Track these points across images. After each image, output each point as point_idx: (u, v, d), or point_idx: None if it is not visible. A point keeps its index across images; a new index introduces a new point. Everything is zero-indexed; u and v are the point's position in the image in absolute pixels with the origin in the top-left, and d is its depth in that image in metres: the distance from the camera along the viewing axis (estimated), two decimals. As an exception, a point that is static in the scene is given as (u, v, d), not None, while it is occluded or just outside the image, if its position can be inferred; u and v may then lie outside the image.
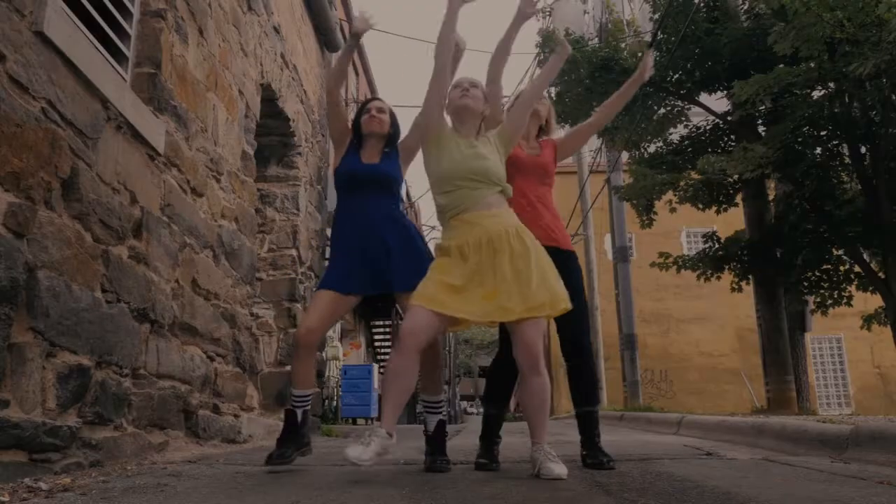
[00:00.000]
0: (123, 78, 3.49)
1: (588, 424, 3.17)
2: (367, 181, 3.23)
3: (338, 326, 11.83)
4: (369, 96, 9.81)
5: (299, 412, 3.18)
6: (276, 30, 6.08)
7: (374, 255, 3.12)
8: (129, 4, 3.58)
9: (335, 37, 8.28)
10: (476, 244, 2.79)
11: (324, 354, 8.78)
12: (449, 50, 2.97)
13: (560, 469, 2.63)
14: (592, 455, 3.08)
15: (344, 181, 3.30)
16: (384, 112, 3.40)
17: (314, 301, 3.19)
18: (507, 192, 2.97)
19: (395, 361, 2.68)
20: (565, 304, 2.76)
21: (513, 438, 4.93)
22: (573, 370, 3.24)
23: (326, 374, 11.16)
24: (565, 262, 3.12)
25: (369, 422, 12.16)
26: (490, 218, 2.84)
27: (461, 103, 3.00)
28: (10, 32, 2.41)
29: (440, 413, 3.26)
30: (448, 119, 3.09)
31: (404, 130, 3.42)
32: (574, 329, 3.20)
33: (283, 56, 6.29)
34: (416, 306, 2.72)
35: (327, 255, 4.48)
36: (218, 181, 4.60)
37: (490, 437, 3.22)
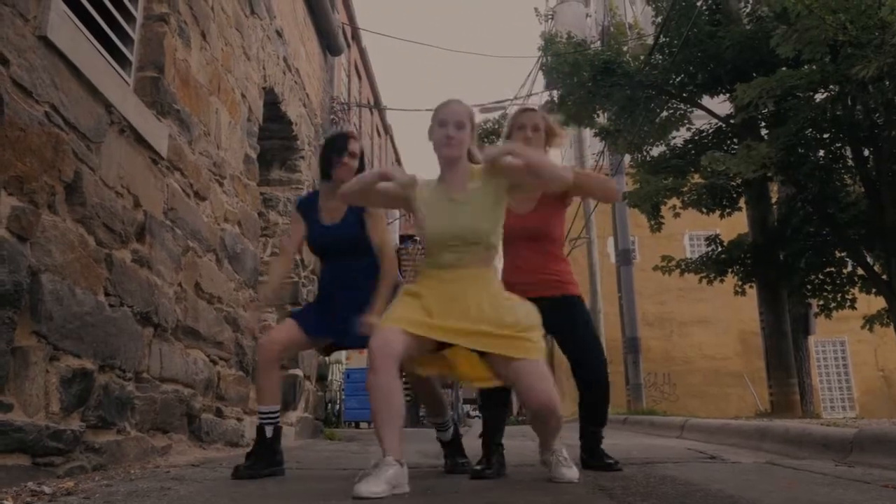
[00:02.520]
0: (126, 82, 3.50)
1: (593, 440, 3.21)
2: (331, 246, 3.23)
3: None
4: (371, 101, 9.63)
5: (268, 428, 3.09)
6: (279, 34, 6.09)
7: (342, 307, 3.08)
8: (132, 9, 3.59)
9: (338, 41, 8.30)
10: (445, 299, 2.54)
11: (327, 358, 8.77)
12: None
13: (572, 473, 2.67)
14: (598, 457, 3.14)
15: (313, 247, 3.33)
16: (356, 156, 3.27)
17: (283, 323, 3.25)
18: (491, 246, 2.67)
19: (372, 382, 2.38)
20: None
21: (513, 441, 4.92)
22: (589, 401, 3.24)
23: (329, 377, 11.15)
24: (568, 308, 3.16)
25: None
26: (471, 281, 2.58)
27: (446, 154, 2.68)
28: (13, 37, 2.42)
29: (448, 429, 3.28)
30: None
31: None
32: (592, 360, 3.19)
33: (285, 60, 6.30)
34: (382, 327, 2.48)
35: None
36: (221, 185, 4.61)
37: (490, 442, 3.11)
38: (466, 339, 2.48)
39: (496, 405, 3.24)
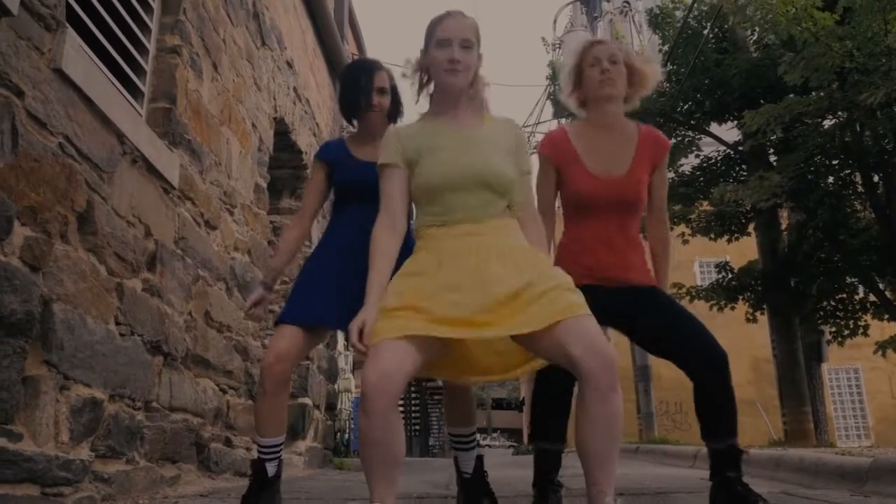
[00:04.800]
0: (139, 113, 3.54)
1: (731, 462, 2.46)
2: (374, 186, 2.44)
3: (349, 358, 11.78)
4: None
5: (271, 465, 2.57)
6: (289, 64, 6.16)
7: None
8: (145, 41, 3.64)
9: (347, 71, 8.38)
10: (461, 250, 2.02)
11: (336, 387, 8.75)
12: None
13: None
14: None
15: (344, 187, 2.73)
16: (386, 93, 2.73)
17: (278, 330, 2.61)
18: (513, 204, 2.17)
19: (366, 428, 1.84)
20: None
21: (512, 471, 4.83)
22: (708, 390, 2.46)
23: (339, 406, 11.10)
24: (660, 295, 2.60)
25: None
26: (491, 232, 2.06)
27: (450, 83, 2.15)
28: (29, 69, 2.46)
29: (474, 447, 2.64)
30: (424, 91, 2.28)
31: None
32: (704, 337, 2.49)
33: (295, 90, 6.37)
34: (377, 344, 1.86)
35: None
36: (231, 214, 4.63)
37: (545, 482, 2.56)
38: (493, 326, 1.90)
39: (553, 437, 2.61)
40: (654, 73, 2.70)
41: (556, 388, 2.51)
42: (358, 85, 2.71)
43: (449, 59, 2.10)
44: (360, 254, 2.20)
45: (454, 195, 2.07)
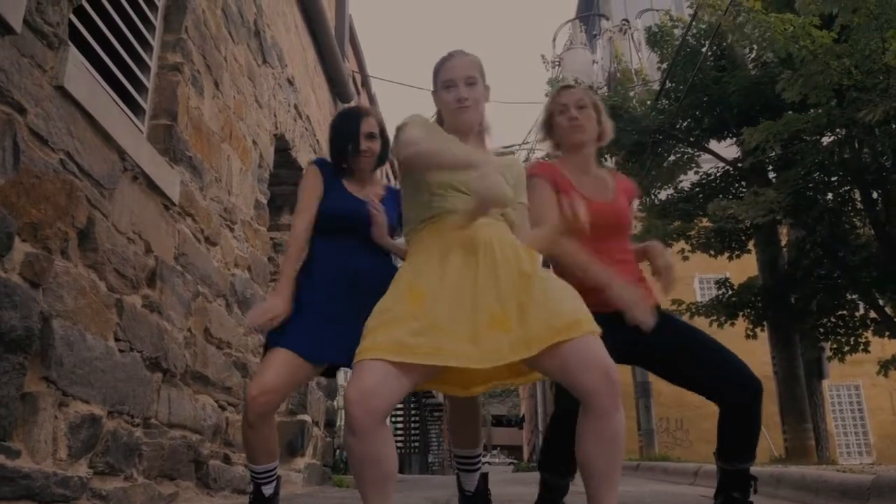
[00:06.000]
0: (140, 130, 3.56)
1: (740, 485, 2.50)
2: (362, 220, 2.62)
3: (348, 374, 11.72)
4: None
5: (267, 488, 2.59)
6: (290, 82, 6.19)
7: (347, 313, 2.40)
8: (146, 58, 3.66)
9: (347, 88, 8.42)
10: (466, 247, 1.99)
11: (335, 403, 8.72)
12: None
13: None
14: None
15: (330, 218, 2.67)
16: (375, 138, 2.76)
17: (272, 355, 2.51)
18: (510, 222, 2.21)
19: (354, 448, 1.83)
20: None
21: (512, 488, 4.84)
22: (737, 416, 2.45)
23: (338, 423, 11.05)
24: (671, 318, 2.61)
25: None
26: (483, 226, 2.03)
27: (462, 120, 2.23)
28: (31, 87, 2.47)
29: (479, 469, 2.62)
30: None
31: None
32: (734, 361, 2.45)
33: (296, 107, 6.40)
34: (364, 361, 1.84)
35: None
36: (231, 230, 4.64)
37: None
38: (508, 353, 1.85)
39: (563, 465, 2.57)
40: (611, 128, 2.77)
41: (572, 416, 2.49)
42: (346, 132, 2.74)
43: (456, 98, 2.19)
44: (356, 287, 2.37)
45: (458, 197, 2.08)
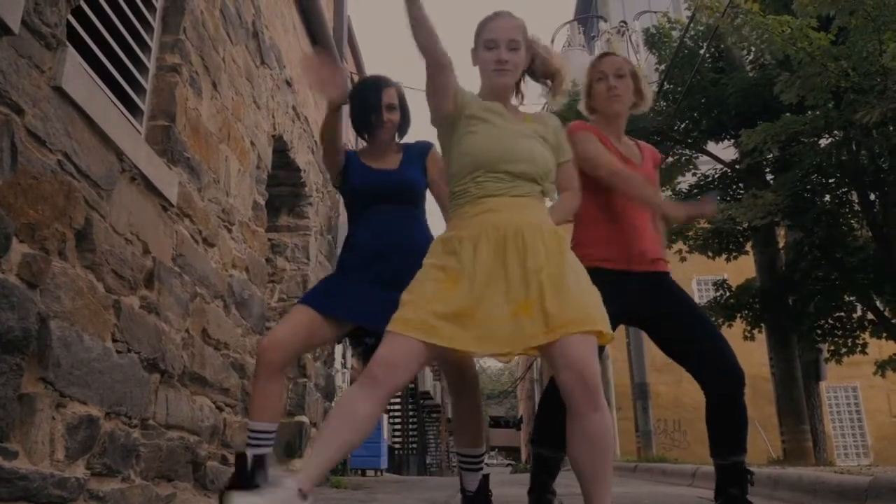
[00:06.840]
0: (138, 131, 3.55)
1: (736, 479, 2.57)
2: (385, 191, 2.69)
3: (347, 375, 11.73)
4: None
5: (250, 453, 2.52)
6: (288, 83, 6.19)
7: (381, 277, 2.52)
8: (145, 60, 3.66)
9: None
10: (497, 236, 2.03)
11: (333, 404, 8.70)
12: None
13: None
14: None
15: (356, 192, 2.76)
16: (395, 109, 2.79)
17: (292, 311, 2.63)
18: (548, 192, 2.25)
19: (353, 394, 1.94)
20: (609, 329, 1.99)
21: (510, 489, 4.81)
22: (722, 406, 2.56)
23: (336, 424, 11.03)
24: (675, 286, 2.64)
25: (379, 473, 11.99)
26: (519, 209, 2.08)
27: (499, 82, 2.23)
28: (29, 88, 2.47)
29: (482, 469, 2.64)
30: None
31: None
32: (722, 350, 2.52)
33: (294, 108, 6.40)
34: (395, 334, 1.95)
35: None
36: (229, 231, 4.64)
37: (542, 489, 2.66)
38: (522, 335, 1.93)
39: (554, 439, 2.59)
40: (651, 94, 2.91)
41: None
42: (368, 102, 2.79)
43: (496, 59, 2.18)
44: (391, 257, 2.47)
45: (495, 171, 2.10)
